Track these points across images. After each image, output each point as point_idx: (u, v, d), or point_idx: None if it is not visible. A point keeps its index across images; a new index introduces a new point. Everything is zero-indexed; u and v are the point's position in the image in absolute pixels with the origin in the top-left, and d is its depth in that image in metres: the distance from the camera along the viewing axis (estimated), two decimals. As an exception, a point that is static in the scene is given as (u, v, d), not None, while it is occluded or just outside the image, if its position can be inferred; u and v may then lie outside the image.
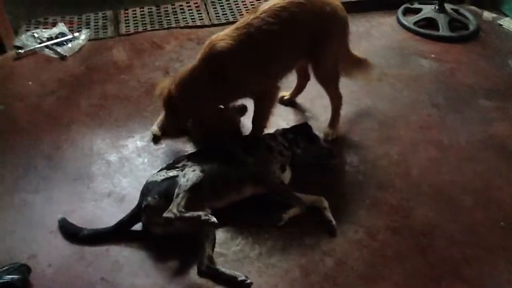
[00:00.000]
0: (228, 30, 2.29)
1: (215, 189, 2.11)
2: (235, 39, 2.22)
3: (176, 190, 1.98)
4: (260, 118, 2.48)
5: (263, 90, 2.41)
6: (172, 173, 2.11)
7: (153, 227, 2.05)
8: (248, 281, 1.88)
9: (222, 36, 2.25)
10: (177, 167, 2.14)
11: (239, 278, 1.88)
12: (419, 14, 3.78)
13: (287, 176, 2.30)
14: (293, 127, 2.53)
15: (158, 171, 2.19)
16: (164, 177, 2.10)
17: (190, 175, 2.05)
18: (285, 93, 2.87)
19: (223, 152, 2.26)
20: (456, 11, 3.80)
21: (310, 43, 2.37)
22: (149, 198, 2.03)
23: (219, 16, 3.83)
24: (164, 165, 2.27)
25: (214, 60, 2.24)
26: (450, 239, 2.09)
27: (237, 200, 2.18)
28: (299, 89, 2.86)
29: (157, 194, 2.03)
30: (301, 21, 2.28)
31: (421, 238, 2.10)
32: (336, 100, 2.62)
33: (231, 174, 2.16)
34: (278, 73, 2.43)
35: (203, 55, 2.27)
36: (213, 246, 1.98)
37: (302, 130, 2.48)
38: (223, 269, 1.91)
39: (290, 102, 2.89)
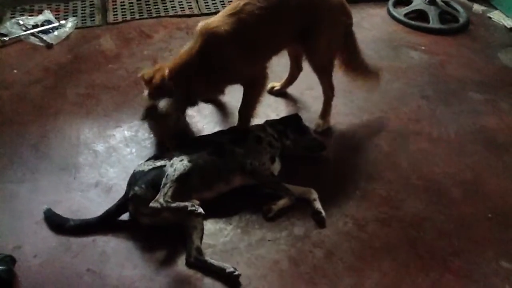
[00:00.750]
0: (221, 15, 2.25)
1: (204, 180, 2.09)
2: (230, 25, 2.18)
3: (163, 180, 1.96)
4: (248, 107, 2.45)
5: (253, 77, 2.37)
6: (159, 163, 2.08)
7: (140, 217, 2.02)
8: (237, 272, 1.86)
9: (217, 22, 2.21)
10: (165, 157, 2.11)
11: (228, 270, 1.86)
12: (410, 6, 3.78)
13: (276, 167, 2.29)
14: (283, 118, 2.52)
15: (146, 161, 2.17)
16: (151, 166, 2.07)
17: (177, 165, 2.03)
18: (276, 83, 2.84)
19: (212, 143, 2.24)
20: (446, 3, 3.80)
21: (302, 30, 2.34)
22: (136, 188, 2.00)
23: (208, 5, 3.79)
24: (152, 155, 2.24)
25: (212, 46, 2.19)
26: (439, 231, 2.10)
27: (226, 191, 2.16)
28: (290, 80, 2.84)
29: (144, 184, 2.00)
30: (291, 6, 2.27)
31: (410, 230, 2.10)
32: (328, 91, 2.61)
33: (220, 164, 2.14)
34: (268, 58, 2.41)
35: (200, 41, 2.20)
36: (201, 237, 1.96)
37: (292, 121, 2.47)
38: (211, 261, 1.90)
39: (280, 93, 2.87)
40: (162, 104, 2.18)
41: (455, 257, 1.99)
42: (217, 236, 2.04)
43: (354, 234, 2.07)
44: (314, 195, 2.19)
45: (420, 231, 2.10)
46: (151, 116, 2.29)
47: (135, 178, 2.06)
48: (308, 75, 3.05)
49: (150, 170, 2.06)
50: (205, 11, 3.70)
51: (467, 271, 1.94)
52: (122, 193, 2.12)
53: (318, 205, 2.15)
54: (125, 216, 2.09)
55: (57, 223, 2.07)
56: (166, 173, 1.99)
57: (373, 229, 2.10)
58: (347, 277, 1.91)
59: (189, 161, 2.06)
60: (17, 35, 3.28)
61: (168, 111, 2.19)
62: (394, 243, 2.05)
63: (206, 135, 2.41)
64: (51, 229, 2.05)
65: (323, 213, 2.13)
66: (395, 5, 3.85)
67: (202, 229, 1.98)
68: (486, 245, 2.05)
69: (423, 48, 3.41)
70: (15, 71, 3.00)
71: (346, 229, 2.09)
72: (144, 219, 2.01)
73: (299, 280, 1.89)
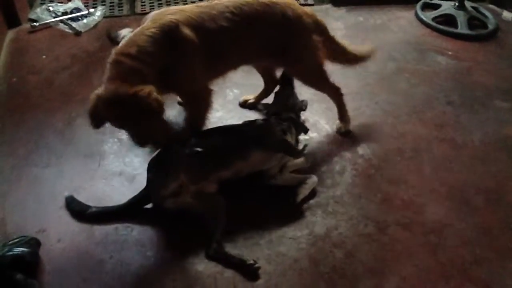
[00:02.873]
0: (190, 6, 2.11)
1: (220, 157, 2.08)
2: (197, 17, 2.04)
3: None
4: (196, 120, 2.29)
5: (199, 88, 2.20)
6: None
7: (163, 201, 2.03)
8: (257, 265, 1.88)
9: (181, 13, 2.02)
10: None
11: (248, 262, 1.88)
12: (438, 10, 3.74)
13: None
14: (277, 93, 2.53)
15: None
16: (158, 152, 2.12)
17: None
18: (249, 96, 2.75)
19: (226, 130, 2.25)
20: (475, 9, 3.75)
21: (274, 47, 2.22)
22: (150, 174, 2.04)
23: (236, 0, 3.79)
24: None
25: (171, 34, 1.97)
26: (461, 238, 2.08)
27: (245, 171, 2.14)
28: (265, 93, 2.70)
29: (160, 168, 2.04)
30: (262, 21, 2.15)
31: (432, 236, 2.09)
32: (334, 94, 2.54)
33: (235, 141, 2.13)
34: (223, 70, 2.27)
35: (159, 27, 1.95)
36: (223, 231, 1.98)
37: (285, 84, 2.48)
38: (231, 253, 1.91)
39: (254, 106, 2.75)
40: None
41: (476, 266, 1.97)
42: (238, 232, 2.04)
43: (374, 236, 2.07)
44: (310, 181, 2.22)
45: (441, 237, 2.09)
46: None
47: (151, 166, 2.09)
48: (332, 75, 3.01)
49: (158, 155, 2.11)
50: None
51: (487, 281, 1.92)
52: (145, 183, 2.14)
53: (306, 191, 2.18)
54: (148, 206, 2.11)
55: (77, 210, 2.09)
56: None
57: (394, 233, 2.09)
58: (367, 279, 1.90)
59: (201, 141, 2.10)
60: (46, 21, 3.34)
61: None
62: (414, 248, 2.04)
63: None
64: (72, 216, 2.08)
65: (299, 199, 2.16)
66: (423, 8, 3.81)
67: (224, 223, 1.99)
68: (507, 255, 2.03)
69: (450, 53, 3.38)
70: (43, 56, 3.05)
71: (367, 231, 2.09)
72: (168, 203, 2.02)
73: (318, 279, 1.89)
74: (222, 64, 2.23)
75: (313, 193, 2.22)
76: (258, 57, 2.32)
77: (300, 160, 2.24)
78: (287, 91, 2.45)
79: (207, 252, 1.94)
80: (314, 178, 2.23)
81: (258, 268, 1.88)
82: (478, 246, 2.05)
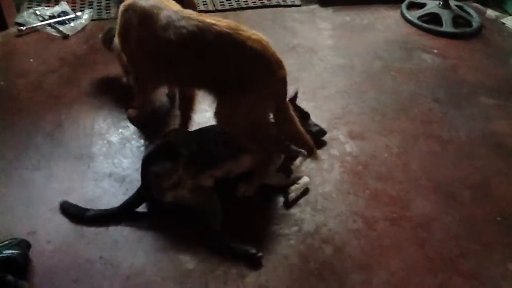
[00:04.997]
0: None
1: (213, 156, 2.10)
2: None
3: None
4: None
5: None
6: (159, 141, 2.14)
7: (164, 195, 2.04)
8: (260, 254, 1.91)
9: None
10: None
11: (251, 251, 1.91)
12: (424, 9, 3.79)
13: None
14: None
15: (147, 146, 2.20)
16: (154, 146, 2.13)
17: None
18: None
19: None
20: (460, 7, 3.81)
21: (216, 81, 2.05)
22: (153, 167, 2.05)
23: (223, 2, 3.81)
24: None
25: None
26: (448, 232, 2.11)
27: (236, 171, 2.16)
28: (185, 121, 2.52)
29: (159, 160, 2.05)
30: (212, 52, 2.00)
31: (419, 230, 2.12)
32: (257, 155, 2.15)
33: (227, 141, 2.13)
34: (163, 79, 2.32)
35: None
36: (221, 222, 2.00)
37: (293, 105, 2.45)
38: (233, 244, 1.94)
39: None
40: None
41: (463, 259, 2.01)
42: (228, 229, 2.05)
43: (363, 232, 2.09)
44: (302, 181, 2.23)
45: (429, 231, 2.12)
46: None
47: (147, 161, 2.09)
48: (320, 74, 3.10)
49: (154, 148, 2.11)
50: (220, 7, 3.73)
51: (475, 273, 1.96)
52: (135, 183, 2.15)
53: (296, 191, 2.20)
54: (140, 208, 2.12)
55: (75, 214, 2.09)
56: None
57: (382, 228, 2.12)
58: (356, 273, 1.93)
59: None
60: (34, 25, 3.32)
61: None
62: (402, 242, 2.07)
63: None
64: (70, 220, 2.07)
65: (291, 199, 2.17)
66: (409, 7, 3.86)
67: (221, 214, 2.01)
68: (494, 248, 2.06)
69: (435, 51, 3.42)
70: (31, 60, 3.04)
71: (355, 227, 2.11)
72: (167, 197, 2.04)
73: (308, 275, 1.91)
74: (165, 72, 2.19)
75: (304, 193, 2.24)
76: (200, 82, 2.16)
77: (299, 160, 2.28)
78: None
79: (209, 244, 1.96)
80: (306, 179, 2.25)
81: (261, 257, 1.91)
82: (465, 239, 2.09)
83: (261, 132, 2.10)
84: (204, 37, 1.97)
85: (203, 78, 2.10)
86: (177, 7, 2.14)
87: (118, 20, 2.26)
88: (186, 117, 2.49)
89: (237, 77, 1.99)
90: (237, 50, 1.96)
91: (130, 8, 2.18)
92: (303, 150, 2.27)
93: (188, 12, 2.08)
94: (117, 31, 2.31)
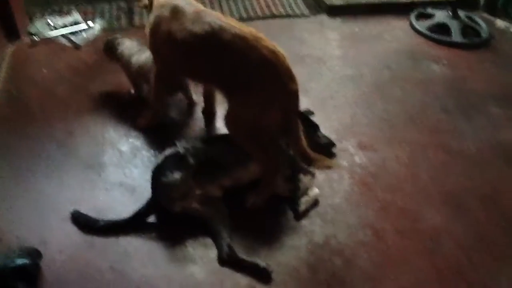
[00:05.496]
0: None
1: (223, 164, 2.13)
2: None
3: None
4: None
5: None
6: (168, 151, 2.16)
7: (173, 205, 2.06)
8: (270, 268, 1.91)
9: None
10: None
11: (261, 265, 1.91)
12: (432, 19, 3.80)
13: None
14: None
15: (157, 156, 2.24)
16: (163, 156, 2.14)
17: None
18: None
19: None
20: (469, 17, 3.81)
21: (228, 81, 2.14)
22: (163, 178, 2.06)
23: (232, 13, 3.84)
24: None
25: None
26: (457, 243, 2.11)
27: (246, 179, 2.18)
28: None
29: (167, 171, 2.06)
30: (227, 51, 2.09)
31: (428, 241, 2.11)
32: (263, 164, 2.16)
33: (237, 148, 2.15)
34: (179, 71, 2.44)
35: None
36: (230, 235, 2.01)
37: (303, 117, 2.46)
38: (243, 257, 1.94)
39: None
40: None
41: (473, 271, 2.00)
42: (237, 241, 2.05)
43: (373, 244, 2.09)
44: (312, 193, 2.24)
45: (438, 243, 2.11)
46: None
47: (157, 172, 2.11)
48: (329, 84, 3.11)
49: (164, 159, 2.13)
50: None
51: (485, 285, 1.95)
52: (146, 193, 2.16)
53: (307, 202, 2.20)
54: (150, 218, 2.14)
55: (86, 224, 2.10)
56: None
57: (392, 240, 2.12)
58: (365, 285, 1.93)
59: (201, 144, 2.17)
60: (46, 35, 3.37)
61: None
62: (412, 254, 2.06)
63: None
64: (81, 230, 2.09)
65: (301, 210, 2.18)
66: (418, 18, 3.87)
67: (230, 227, 2.03)
68: (505, 260, 2.05)
69: (444, 61, 3.42)
70: (43, 70, 3.08)
71: (365, 239, 2.11)
72: (177, 207, 2.05)
73: (317, 287, 1.91)
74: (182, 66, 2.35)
75: (315, 205, 2.24)
76: (210, 79, 2.32)
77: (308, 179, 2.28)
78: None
79: (220, 257, 1.97)
80: (316, 190, 2.26)
81: (271, 271, 1.92)
82: (474, 250, 2.08)
83: (264, 140, 2.12)
84: (223, 36, 2.09)
85: (217, 75, 2.19)
86: (203, 7, 2.32)
87: (151, 16, 2.37)
88: (210, 113, 2.69)
89: (246, 81, 2.06)
90: (250, 55, 2.04)
91: (164, 5, 2.31)
92: (312, 170, 2.28)
93: (216, 12, 2.27)
94: (148, 26, 2.39)
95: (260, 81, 2.05)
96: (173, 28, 2.23)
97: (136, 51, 2.71)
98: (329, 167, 2.32)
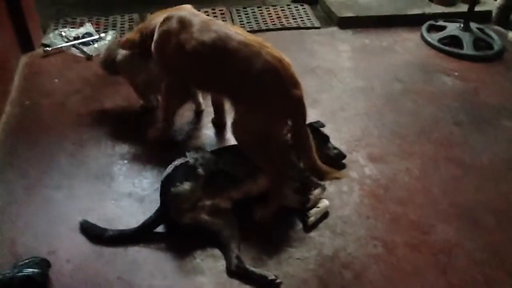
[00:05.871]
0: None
1: (232, 177, 2.12)
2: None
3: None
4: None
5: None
6: (178, 161, 2.16)
7: (182, 216, 2.05)
8: (278, 280, 1.89)
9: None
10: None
11: (269, 278, 1.89)
12: (444, 32, 3.78)
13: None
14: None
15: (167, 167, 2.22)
16: (172, 166, 2.14)
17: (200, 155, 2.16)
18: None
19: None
20: (481, 30, 3.78)
21: (234, 88, 2.15)
22: (172, 189, 2.05)
23: (243, 25, 3.86)
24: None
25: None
26: (471, 259, 2.06)
27: (255, 191, 2.16)
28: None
29: (177, 182, 2.05)
30: (233, 58, 2.10)
31: (441, 256, 2.07)
32: (270, 174, 2.14)
33: (247, 163, 2.14)
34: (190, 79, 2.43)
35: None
36: (239, 246, 1.99)
37: (313, 128, 2.44)
38: (252, 269, 1.92)
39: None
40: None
41: (487, 287, 1.95)
42: (246, 252, 2.04)
43: (383, 257, 2.06)
44: (322, 205, 2.22)
45: (451, 258, 2.07)
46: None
47: (167, 183, 2.10)
48: (340, 96, 3.10)
49: (174, 169, 2.13)
50: (240, 29, 3.78)
51: (499, 302, 1.91)
52: (155, 204, 2.16)
53: (316, 214, 2.18)
54: (158, 228, 2.13)
55: (95, 234, 2.10)
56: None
57: (403, 253, 2.08)
58: (376, 300, 1.90)
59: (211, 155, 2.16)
60: (59, 46, 3.42)
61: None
62: (424, 268, 2.02)
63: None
64: (89, 240, 2.09)
65: (310, 222, 2.16)
66: (429, 30, 3.86)
67: (239, 238, 2.01)
68: (519, 276, 2.01)
69: (456, 74, 3.40)
70: (56, 80, 3.11)
71: (375, 251, 2.08)
72: (186, 218, 2.04)
73: (327, 300, 1.89)
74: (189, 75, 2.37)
75: (324, 217, 2.22)
76: (218, 89, 2.34)
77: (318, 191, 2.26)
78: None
79: (229, 269, 1.95)
80: (325, 202, 2.24)
81: (280, 283, 1.90)
82: (489, 266, 2.04)
83: (271, 149, 2.11)
84: (228, 44, 2.12)
85: (224, 83, 2.20)
86: (208, 17, 2.35)
87: (157, 30, 2.37)
88: (220, 123, 2.74)
89: (251, 88, 2.08)
90: (254, 62, 2.05)
91: (170, 18, 2.33)
92: (322, 183, 2.26)
93: (222, 22, 2.29)
94: (154, 41, 2.39)
95: (264, 87, 2.06)
96: (181, 39, 2.25)
97: (137, 61, 2.65)
98: (338, 178, 2.31)
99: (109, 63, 2.76)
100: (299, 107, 2.10)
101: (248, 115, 2.11)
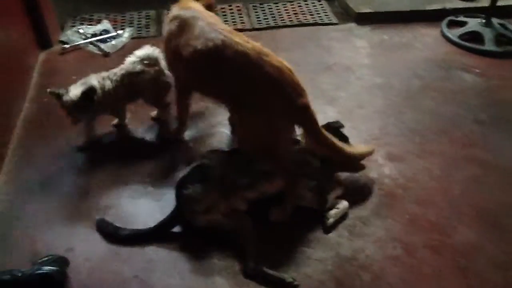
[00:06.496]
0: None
1: (247, 177, 2.10)
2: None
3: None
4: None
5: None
6: (193, 163, 2.15)
7: (197, 218, 2.04)
8: (296, 282, 1.88)
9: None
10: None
11: (287, 280, 1.88)
12: (465, 27, 3.69)
13: None
14: (324, 125, 2.46)
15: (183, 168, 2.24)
16: (189, 168, 2.14)
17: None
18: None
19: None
20: (503, 26, 3.69)
21: (234, 99, 2.13)
22: (185, 191, 2.04)
23: (260, 21, 3.83)
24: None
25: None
26: (492, 262, 2.02)
27: (270, 192, 2.14)
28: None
29: (189, 184, 2.05)
30: (229, 69, 2.06)
31: (461, 259, 2.04)
32: (284, 177, 2.14)
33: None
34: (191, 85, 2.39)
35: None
36: (256, 248, 1.98)
37: (332, 128, 2.41)
38: (269, 271, 1.91)
39: None
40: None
41: (509, 291, 1.92)
42: (264, 252, 2.02)
43: (402, 259, 2.03)
44: (342, 206, 2.19)
45: (472, 261, 2.03)
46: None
47: (180, 185, 2.10)
48: (358, 93, 3.06)
49: (189, 171, 2.12)
50: (257, 26, 3.75)
51: (522, 307, 1.87)
52: (172, 203, 2.15)
53: (336, 215, 2.15)
54: (175, 228, 2.13)
55: (111, 232, 2.11)
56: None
57: (422, 255, 2.05)
58: (395, 303, 1.87)
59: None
60: (76, 43, 3.43)
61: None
62: (443, 271, 1.99)
63: None
64: (105, 238, 2.09)
65: (330, 223, 2.13)
66: (449, 26, 3.78)
67: (255, 240, 2.00)
68: (543, 281, 1.97)
69: (477, 70, 3.32)
70: (73, 77, 3.10)
71: (395, 253, 2.05)
72: (201, 220, 2.04)
73: (345, 302, 1.87)
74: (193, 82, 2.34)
75: (343, 217, 2.19)
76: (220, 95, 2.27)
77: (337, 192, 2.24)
78: None
79: (245, 271, 1.94)
80: (345, 203, 2.21)
81: (297, 286, 1.88)
82: (510, 270, 1.99)
83: (277, 154, 2.08)
84: (224, 53, 2.04)
85: (223, 91, 2.17)
86: (213, 19, 2.24)
87: (165, 30, 2.37)
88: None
89: (251, 98, 2.03)
90: (252, 72, 2.01)
91: (174, 19, 2.30)
92: (340, 185, 2.25)
93: (222, 27, 2.16)
94: (164, 39, 2.38)
95: (265, 100, 2.01)
96: (179, 43, 2.21)
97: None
98: (369, 154, 2.32)
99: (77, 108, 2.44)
100: (305, 115, 2.05)
101: (250, 123, 2.07)
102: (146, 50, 2.56)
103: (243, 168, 2.12)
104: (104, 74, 2.53)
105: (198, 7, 2.32)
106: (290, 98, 1.99)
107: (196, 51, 2.11)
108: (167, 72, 2.56)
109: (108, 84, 2.49)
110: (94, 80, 2.48)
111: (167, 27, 2.33)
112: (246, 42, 2.07)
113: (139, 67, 2.52)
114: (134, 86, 2.54)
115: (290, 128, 2.08)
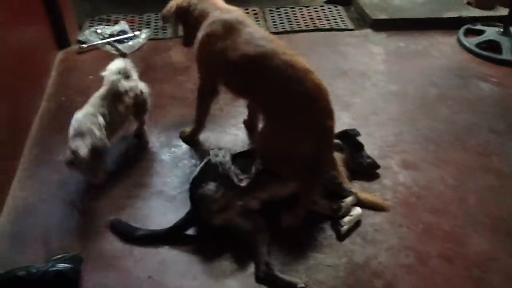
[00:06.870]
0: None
1: (259, 178, 2.10)
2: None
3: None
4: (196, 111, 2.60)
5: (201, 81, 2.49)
6: (205, 163, 2.15)
7: (212, 217, 2.04)
8: None
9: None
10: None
11: (299, 285, 1.88)
12: (482, 36, 3.67)
13: None
14: (340, 132, 2.44)
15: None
16: (200, 167, 2.14)
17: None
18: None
19: None
20: (521, 35, 3.66)
21: (270, 104, 2.15)
22: (199, 190, 2.05)
23: (276, 25, 3.85)
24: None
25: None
26: (507, 274, 2.00)
27: (282, 194, 2.15)
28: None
29: (203, 183, 2.06)
30: (277, 76, 2.09)
31: (475, 270, 2.02)
32: (299, 182, 2.15)
33: None
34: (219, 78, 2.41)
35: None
36: (269, 252, 1.98)
37: (348, 136, 2.43)
38: (281, 275, 1.91)
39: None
40: None
41: (525, 305, 1.90)
42: (276, 257, 2.03)
43: (415, 268, 2.02)
44: (355, 213, 2.19)
45: (486, 272, 2.01)
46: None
47: (194, 184, 2.11)
48: (373, 100, 3.05)
49: (200, 170, 2.13)
50: (273, 29, 3.76)
51: (536, 321, 1.85)
52: (185, 203, 2.16)
53: (349, 222, 2.15)
54: (189, 231, 2.14)
55: (125, 232, 2.13)
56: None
57: (436, 265, 2.03)
58: (407, 311, 1.86)
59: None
60: (94, 43, 3.47)
61: None
62: (457, 281, 1.98)
63: None
64: (120, 238, 2.11)
65: (344, 230, 2.12)
66: (466, 34, 3.76)
67: (268, 243, 2.00)
68: (558, 294, 1.94)
69: (494, 79, 3.30)
70: (90, 77, 3.15)
71: (408, 261, 2.04)
72: (216, 219, 2.04)
73: (357, 309, 1.86)
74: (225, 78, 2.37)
75: (357, 225, 2.19)
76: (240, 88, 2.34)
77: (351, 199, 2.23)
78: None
79: (257, 275, 1.94)
80: (358, 210, 2.20)
81: None
82: (525, 282, 1.98)
83: (293, 165, 2.10)
84: (273, 61, 2.10)
85: (260, 96, 2.20)
86: (256, 25, 2.32)
87: (202, 32, 2.34)
88: (251, 125, 2.72)
89: (286, 107, 2.08)
90: (295, 84, 2.05)
91: (216, 21, 2.30)
92: (355, 191, 2.24)
93: (267, 33, 2.29)
94: (198, 40, 2.36)
95: (299, 113, 2.06)
96: (226, 46, 2.22)
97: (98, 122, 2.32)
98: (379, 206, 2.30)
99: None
100: (327, 138, 2.13)
101: (275, 131, 2.12)
102: (121, 63, 2.50)
103: (254, 169, 2.12)
104: (90, 109, 2.34)
105: (238, 11, 2.37)
106: (321, 117, 2.06)
107: (244, 55, 2.16)
108: (141, 84, 2.56)
109: (101, 120, 2.31)
110: (87, 128, 2.23)
111: (208, 30, 2.31)
112: (292, 54, 2.13)
113: (121, 82, 2.44)
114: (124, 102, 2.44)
115: (311, 148, 2.09)
